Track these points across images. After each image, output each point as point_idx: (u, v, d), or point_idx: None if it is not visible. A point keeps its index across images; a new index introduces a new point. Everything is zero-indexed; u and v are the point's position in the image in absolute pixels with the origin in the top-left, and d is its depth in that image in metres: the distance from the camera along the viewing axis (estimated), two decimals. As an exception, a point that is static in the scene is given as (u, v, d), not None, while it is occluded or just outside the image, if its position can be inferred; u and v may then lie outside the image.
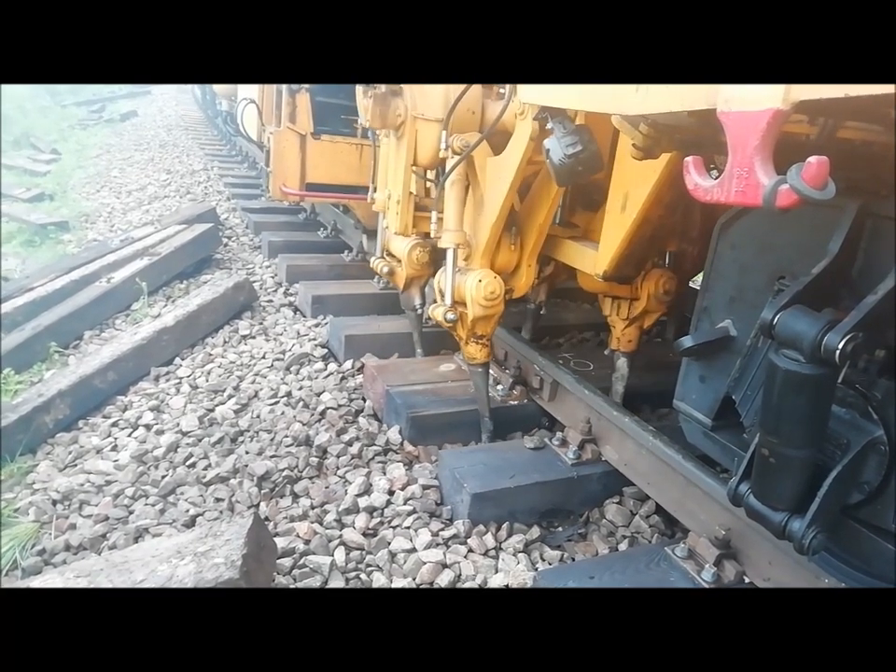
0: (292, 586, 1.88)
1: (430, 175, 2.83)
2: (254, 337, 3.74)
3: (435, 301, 2.51)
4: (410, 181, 2.67)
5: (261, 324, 3.90)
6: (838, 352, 1.15)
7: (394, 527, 2.14)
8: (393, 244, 2.93)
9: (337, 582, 1.91)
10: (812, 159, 0.81)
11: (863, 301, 1.22)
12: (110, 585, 1.58)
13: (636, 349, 2.62)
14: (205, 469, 2.49)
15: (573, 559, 2.08)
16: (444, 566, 1.97)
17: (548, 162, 1.76)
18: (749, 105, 0.88)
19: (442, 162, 2.46)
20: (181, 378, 3.27)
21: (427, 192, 2.84)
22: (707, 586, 1.77)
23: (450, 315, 2.37)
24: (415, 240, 2.84)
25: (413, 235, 2.83)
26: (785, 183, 0.84)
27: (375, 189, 3.08)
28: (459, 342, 2.52)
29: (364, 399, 2.94)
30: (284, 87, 4.06)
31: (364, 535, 2.10)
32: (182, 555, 1.66)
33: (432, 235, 2.49)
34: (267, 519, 2.18)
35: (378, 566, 1.99)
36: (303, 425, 2.72)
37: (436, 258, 2.84)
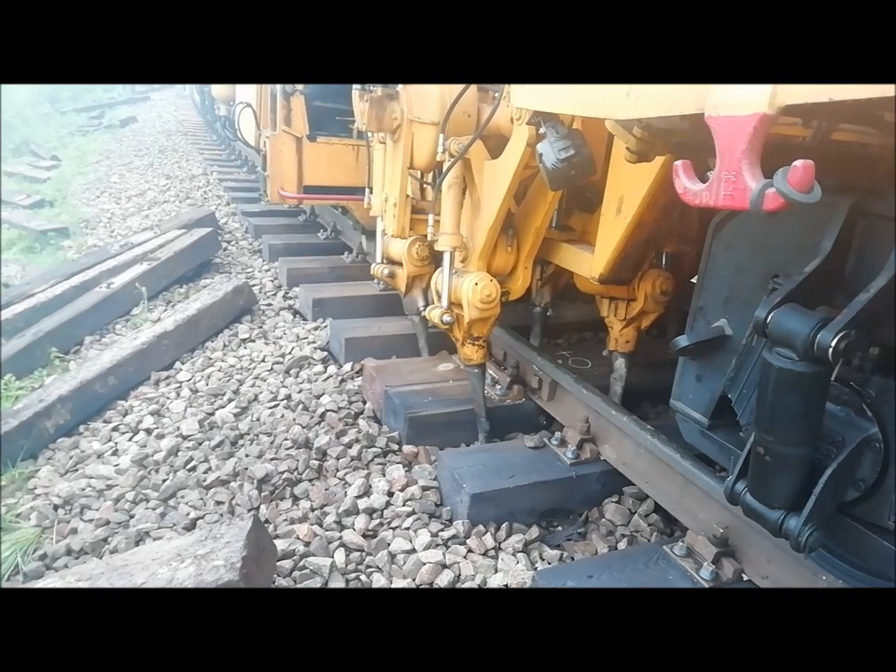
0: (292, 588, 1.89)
1: (427, 177, 2.84)
2: (253, 341, 3.75)
3: (433, 303, 2.52)
4: (406, 184, 2.68)
5: (261, 327, 3.92)
6: (831, 350, 1.16)
7: (393, 528, 2.15)
8: (392, 247, 2.94)
9: (337, 584, 1.92)
10: (798, 162, 0.82)
11: (856, 299, 1.23)
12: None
13: (634, 349, 2.63)
14: (206, 472, 2.50)
15: (572, 558, 2.09)
16: (444, 566, 1.98)
17: (541, 166, 1.77)
18: (737, 109, 0.89)
19: (439, 165, 2.48)
20: (181, 382, 3.28)
21: (423, 195, 2.85)
22: (705, 584, 1.78)
23: (446, 318, 2.38)
24: (414, 236, 2.85)
25: (412, 234, 2.85)
26: (771, 187, 0.85)
27: (371, 192, 3.08)
28: (456, 343, 2.53)
29: (364, 402, 2.95)
30: (278, 90, 4.04)
31: (364, 536, 2.11)
32: (182, 558, 1.67)
33: (429, 238, 2.50)
34: (267, 521, 2.19)
35: (378, 567, 2.00)
36: (303, 427, 2.73)
37: (436, 254, 2.83)
